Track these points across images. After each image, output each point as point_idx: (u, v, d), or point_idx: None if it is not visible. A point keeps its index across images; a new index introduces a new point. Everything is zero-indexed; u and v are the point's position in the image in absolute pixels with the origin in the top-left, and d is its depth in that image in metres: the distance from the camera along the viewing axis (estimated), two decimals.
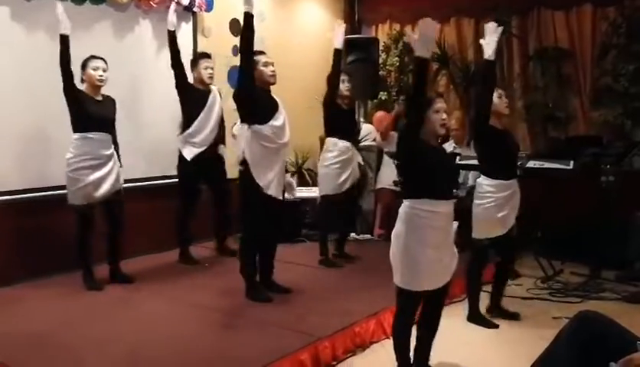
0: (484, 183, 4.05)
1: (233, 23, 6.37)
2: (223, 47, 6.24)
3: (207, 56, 5.27)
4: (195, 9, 5.84)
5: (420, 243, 2.99)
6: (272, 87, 4.25)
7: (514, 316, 4.26)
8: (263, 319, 3.84)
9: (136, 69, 5.39)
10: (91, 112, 4.34)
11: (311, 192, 6.19)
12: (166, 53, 5.53)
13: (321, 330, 3.61)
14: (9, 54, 4.60)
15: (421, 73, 2.93)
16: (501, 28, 3.60)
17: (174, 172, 5.25)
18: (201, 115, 5.03)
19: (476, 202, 4.07)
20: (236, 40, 6.30)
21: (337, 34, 4.96)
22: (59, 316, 3.93)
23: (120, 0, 5.17)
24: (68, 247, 4.53)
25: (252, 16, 4.02)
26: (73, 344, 3.47)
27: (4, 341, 3.52)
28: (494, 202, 4.00)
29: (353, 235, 6.33)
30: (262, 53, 4.25)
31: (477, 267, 4.16)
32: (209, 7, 6.04)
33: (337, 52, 5.00)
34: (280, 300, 4.23)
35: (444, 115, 3.05)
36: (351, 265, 5.22)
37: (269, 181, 4.10)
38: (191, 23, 5.93)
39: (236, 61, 6.34)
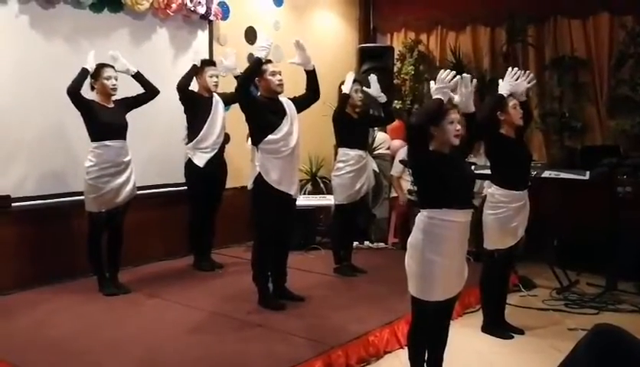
0: (496, 193, 4.01)
1: (249, 31, 6.42)
2: (238, 55, 6.24)
3: (212, 63, 5.28)
4: (211, 17, 5.89)
5: (437, 253, 2.98)
6: (285, 96, 4.27)
7: (517, 331, 4.18)
8: (276, 328, 3.84)
9: (152, 77, 5.42)
10: (105, 122, 4.38)
11: (325, 200, 6.19)
12: (182, 61, 5.63)
13: (335, 339, 3.61)
14: (28, 62, 4.66)
15: (434, 111, 2.99)
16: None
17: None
18: (208, 121, 5.06)
19: (488, 212, 4.03)
20: (252, 48, 6.39)
21: (347, 81, 5.06)
22: (74, 321, 3.96)
23: (138, 8, 5.22)
24: (84, 252, 4.57)
25: (261, 62, 4.07)
26: (89, 348, 3.49)
27: (22, 345, 3.55)
28: (506, 212, 3.96)
29: (367, 243, 6.33)
30: (269, 61, 4.25)
31: (490, 277, 4.13)
32: (225, 15, 6.10)
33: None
34: (293, 308, 4.23)
35: (458, 126, 3.03)
36: (365, 274, 5.20)
37: (288, 183, 4.17)
38: (207, 31, 5.97)
39: None
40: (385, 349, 3.79)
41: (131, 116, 4.63)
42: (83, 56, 4.40)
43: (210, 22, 5.99)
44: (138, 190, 4.68)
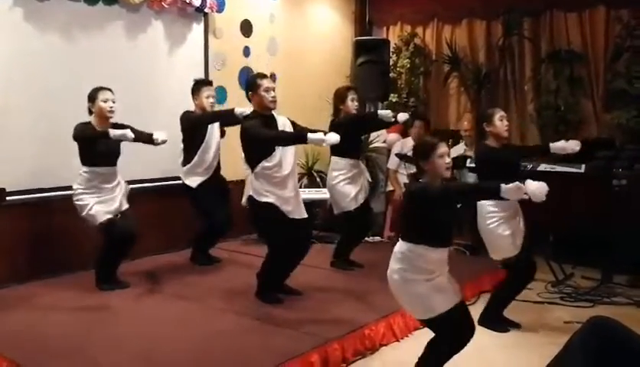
0: (485, 203, 4.00)
1: (244, 24, 6.39)
2: (234, 48, 6.26)
3: (208, 83, 5.19)
4: (206, 10, 5.85)
5: (418, 274, 2.99)
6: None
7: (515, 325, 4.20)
8: (273, 321, 3.85)
9: (148, 70, 5.41)
10: (101, 150, 4.33)
11: (321, 193, 6.18)
12: (177, 54, 5.63)
13: (331, 332, 3.62)
14: (23, 55, 4.63)
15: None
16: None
17: None
18: (203, 144, 4.99)
19: (481, 222, 4.05)
20: (247, 41, 6.38)
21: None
22: (71, 316, 3.95)
23: (132, 1, 5.19)
24: (81, 246, 4.56)
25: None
26: (86, 343, 3.49)
27: (18, 340, 3.55)
28: (498, 221, 3.97)
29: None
30: (264, 76, 4.20)
31: (514, 285, 4.14)
32: (220, 8, 6.06)
33: None
34: (290, 301, 4.23)
35: (447, 159, 3.03)
36: (361, 268, 5.20)
37: (284, 200, 4.10)
38: (202, 24, 5.94)
39: (247, 62, 6.40)
40: (381, 342, 3.82)
41: (130, 108, 4.61)
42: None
43: (206, 15, 5.96)
44: (137, 183, 4.65)
